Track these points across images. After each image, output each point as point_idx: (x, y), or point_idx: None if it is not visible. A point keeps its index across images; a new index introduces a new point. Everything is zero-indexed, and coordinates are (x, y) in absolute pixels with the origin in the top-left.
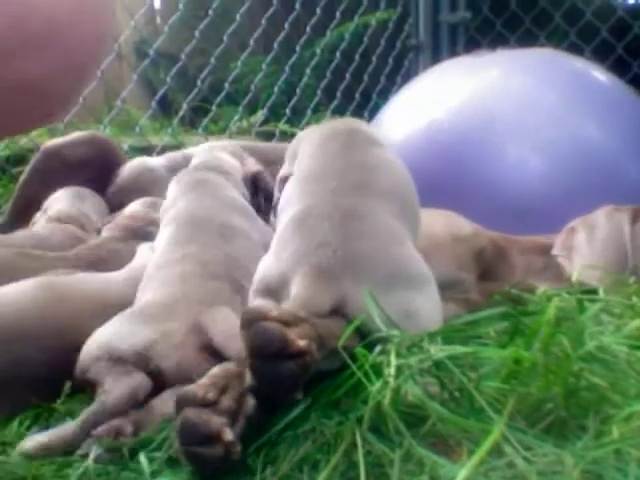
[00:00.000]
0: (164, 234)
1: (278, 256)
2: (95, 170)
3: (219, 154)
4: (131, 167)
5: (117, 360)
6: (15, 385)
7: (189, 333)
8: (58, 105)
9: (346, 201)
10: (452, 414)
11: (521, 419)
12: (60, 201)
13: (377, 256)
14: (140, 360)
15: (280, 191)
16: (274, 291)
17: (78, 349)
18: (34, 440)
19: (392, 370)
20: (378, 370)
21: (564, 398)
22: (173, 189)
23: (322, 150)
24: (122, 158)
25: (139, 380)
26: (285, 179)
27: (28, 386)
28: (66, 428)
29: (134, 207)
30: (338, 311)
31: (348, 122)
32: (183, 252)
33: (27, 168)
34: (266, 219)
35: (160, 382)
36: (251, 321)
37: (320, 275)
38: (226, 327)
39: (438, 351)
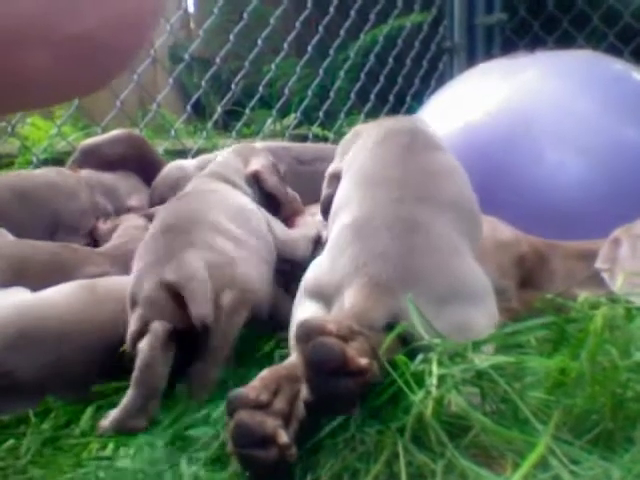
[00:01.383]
0: None
1: (334, 261)
2: (131, 167)
3: (222, 159)
4: (166, 168)
5: None
6: (55, 384)
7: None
8: (118, 60)
9: (408, 211)
10: (496, 425)
11: (566, 431)
12: None
13: (437, 271)
14: None
15: (330, 187)
16: (327, 296)
17: (116, 348)
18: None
19: (434, 380)
20: (419, 379)
21: (611, 409)
22: None
23: (380, 151)
24: (157, 156)
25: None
26: (335, 175)
27: (67, 385)
28: None
29: None
30: (393, 325)
31: (407, 121)
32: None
33: (67, 163)
34: (275, 214)
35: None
36: (309, 335)
37: (378, 288)
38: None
39: (482, 360)
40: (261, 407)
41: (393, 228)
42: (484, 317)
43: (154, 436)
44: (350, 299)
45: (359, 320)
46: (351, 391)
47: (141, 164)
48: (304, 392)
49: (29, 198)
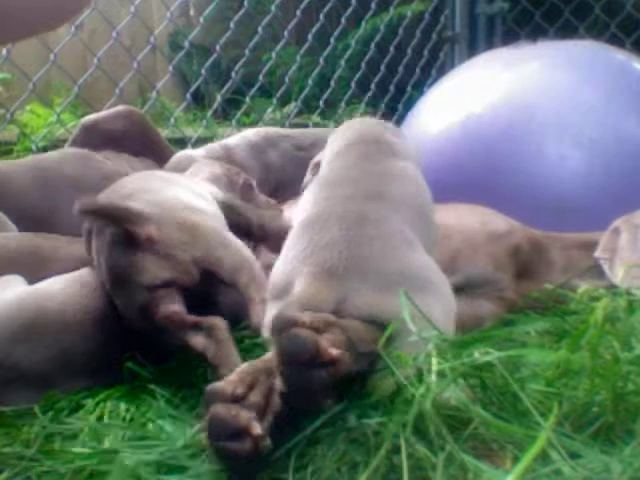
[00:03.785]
0: None
1: (285, 258)
2: (133, 143)
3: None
4: (174, 157)
5: None
6: (62, 375)
7: None
8: None
9: (358, 207)
10: (495, 418)
11: (567, 424)
12: None
13: (384, 258)
14: None
15: (312, 174)
16: (282, 293)
17: (117, 337)
18: None
19: (433, 374)
20: (418, 372)
21: (612, 402)
22: None
23: (341, 159)
24: (157, 133)
25: None
26: (317, 164)
27: (71, 376)
28: None
29: None
30: (340, 310)
31: (372, 131)
32: None
33: (68, 142)
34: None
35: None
36: (282, 327)
37: (323, 274)
38: None
39: (483, 354)
40: (237, 400)
41: (342, 221)
42: (438, 305)
43: (171, 431)
44: (297, 287)
45: (304, 305)
46: (324, 382)
47: (141, 140)
48: (278, 383)
49: (46, 174)
